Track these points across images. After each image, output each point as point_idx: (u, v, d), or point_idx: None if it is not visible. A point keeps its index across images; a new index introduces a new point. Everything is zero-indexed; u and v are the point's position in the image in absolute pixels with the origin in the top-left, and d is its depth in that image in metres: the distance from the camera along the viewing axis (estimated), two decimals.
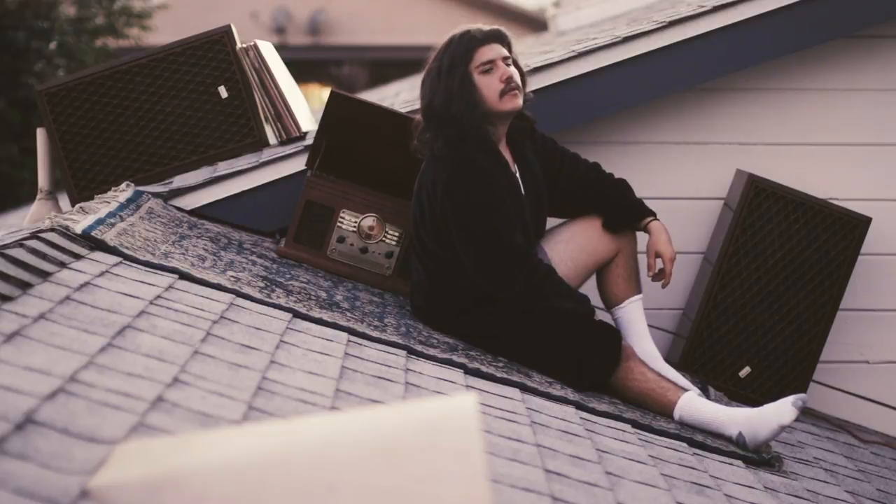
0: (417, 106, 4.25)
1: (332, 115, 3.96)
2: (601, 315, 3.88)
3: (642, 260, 3.81)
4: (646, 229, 3.72)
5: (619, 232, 3.74)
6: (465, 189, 3.50)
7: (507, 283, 3.48)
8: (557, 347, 3.50)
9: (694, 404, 3.46)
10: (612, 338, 3.52)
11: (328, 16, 17.40)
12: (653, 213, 3.75)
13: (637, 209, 3.75)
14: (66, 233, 3.15)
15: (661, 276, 3.70)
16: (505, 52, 3.60)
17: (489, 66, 3.55)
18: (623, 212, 3.74)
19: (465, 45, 3.56)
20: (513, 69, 3.59)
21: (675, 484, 2.80)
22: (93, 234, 3.23)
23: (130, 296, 2.82)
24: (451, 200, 3.51)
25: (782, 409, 3.35)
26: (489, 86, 3.54)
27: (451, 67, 3.54)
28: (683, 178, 4.43)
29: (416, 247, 3.65)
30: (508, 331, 3.54)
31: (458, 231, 3.51)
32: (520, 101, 3.59)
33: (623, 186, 3.79)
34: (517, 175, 3.65)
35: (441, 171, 3.54)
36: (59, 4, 10.06)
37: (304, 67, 14.12)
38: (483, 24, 3.67)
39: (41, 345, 2.27)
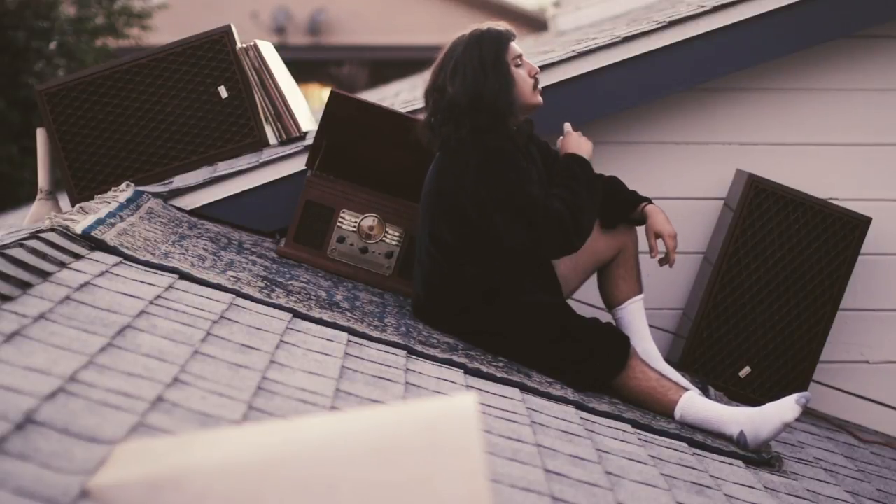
0: (419, 105, 4.25)
1: (332, 115, 3.96)
2: (601, 315, 3.89)
3: (643, 259, 3.81)
4: (642, 215, 3.71)
5: (617, 227, 3.73)
6: (498, 167, 3.48)
7: (557, 243, 3.47)
8: (562, 348, 3.50)
9: (695, 403, 3.46)
10: (621, 342, 3.52)
11: (328, 16, 17.40)
12: (647, 199, 3.74)
13: (630, 199, 3.74)
14: (66, 233, 3.15)
15: (665, 259, 3.68)
16: None
17: (520, 61, 3.60)
18: (616, 205, 3.74)
19: (502, 38, 3.59)
20: None
21: (675, 484, 2.80)
22: (93, 234, 3.23)
23: (130, 296, 2.82)
24: (485, 180, 3.48)
25: (785, 407, 3.35)
26: (524, 79, 3.59)
27: (497, 58, 3.55)
28: (683, 178, 4.43)
29: (426, 242, 3.61)
30: (511, 329, 3.53)
31: (498, 208, 3.46)
32: (542, 98, 3.63)
33: (614, 182, 3.79)
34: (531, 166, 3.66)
35: (468, 158, 3.51)
36: (59, 4, 10.06)
37: (304, 67, 14.12)
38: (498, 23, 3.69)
39: (41, 345, 2.27)
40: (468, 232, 3.54)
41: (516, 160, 3.51)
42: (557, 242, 3.47)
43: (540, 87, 3.64)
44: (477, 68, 3.54)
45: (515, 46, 3.62)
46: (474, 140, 3.52)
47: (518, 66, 3.59)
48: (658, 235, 3.66)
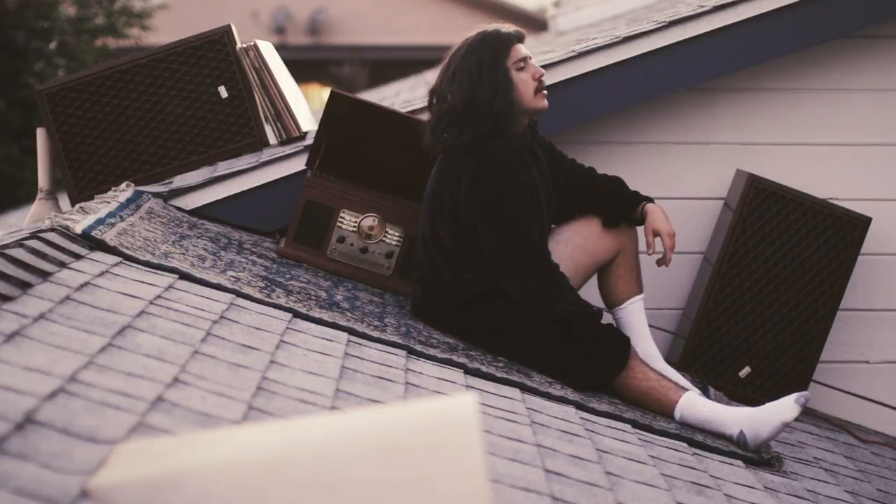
0: (419, 105, 4.26)
1: (332, 115, 3.96)
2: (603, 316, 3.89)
3: (643, 259, 3.81)
4: (642, 214, 3.71)
5: (618, 226, 3.73)
6: (492, 182, 3.50)
7: (522, 280, 3.47)
8: (562, 348, 3.49)
9: (695, 403, 3.46)
10: (621, 344, 3.51)
11: (328, 16, 17.41)
12: (648, 199, 3.74)
13: (631, 199, 3.74)
14: (66, 233, 3.15)
15: (662, 258, 3.68)
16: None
17: (523, 64, 3.58)
18: (617, 204, 3.74)
19: (503, 41, 3.58)
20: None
21: (675, 484, 2.80)
22: (93, 234, 3.23)
23: (130, 296, 2.82)
24: (476, 193, 3.49)
25: (785, 406, 3.35)
26: (525, 83, 3.56)
27: (494, 63, 3.54)
28: (683, 178, 4.43)
29: (427, 243, 3.62)
30: (510, 328, 3.53)
31: (482, 224, 3.50)
32: (547, 101, 3.61)
33: (617, 182, 3.79)
34: (534, 171, 3.66)
35: (466, 165, 3.52)
36: (59, 4, 10.07)
37: (304, 67, 14.12)
38: (505, 24, 3.69)
39: (41, 345, 2.27)
40: (466, 236, 3.54)
41: (513, 175, 3.50)
42: (519, 272, 3.46)
43: (545, 90, 3.63)
44: (473, 74, 3.54)
45: (521, 48, 3.60)
46: (478, 147, 3.52)
47: (521, 69, 3.57)
48: (656, 233, 3.67)
